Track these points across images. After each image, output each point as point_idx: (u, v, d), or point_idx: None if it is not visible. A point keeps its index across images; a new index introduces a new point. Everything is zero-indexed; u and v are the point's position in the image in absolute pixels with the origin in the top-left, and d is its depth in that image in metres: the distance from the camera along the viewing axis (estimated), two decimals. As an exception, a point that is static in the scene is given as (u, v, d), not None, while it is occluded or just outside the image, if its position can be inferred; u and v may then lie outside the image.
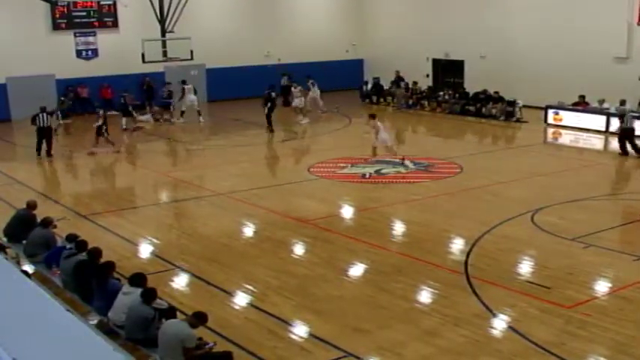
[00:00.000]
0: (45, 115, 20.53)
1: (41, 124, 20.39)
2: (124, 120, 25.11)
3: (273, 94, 25.04)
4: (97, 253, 9.69)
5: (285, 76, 30.43)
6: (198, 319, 7.99)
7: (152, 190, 17.65)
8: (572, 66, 25.71)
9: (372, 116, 19.26)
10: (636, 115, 20.91)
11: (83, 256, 9.74)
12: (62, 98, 22.55)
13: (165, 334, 7.75)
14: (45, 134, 20.54)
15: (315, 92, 27.85)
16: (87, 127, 26.84)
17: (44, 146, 20.60)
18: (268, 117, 24.21)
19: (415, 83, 30.24)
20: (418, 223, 14.06)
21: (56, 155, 20.77)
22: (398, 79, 30.87)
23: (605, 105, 23.53)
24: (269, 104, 24.20)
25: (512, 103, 25.89)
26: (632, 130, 19.97)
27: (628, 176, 18.34)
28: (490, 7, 29.16)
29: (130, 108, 25.41)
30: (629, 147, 19.73)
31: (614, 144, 20.48)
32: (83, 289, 9.45)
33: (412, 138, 24.91)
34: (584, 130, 23.35)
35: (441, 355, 8.60)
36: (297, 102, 26.41)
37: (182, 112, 26.70)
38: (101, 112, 21.68)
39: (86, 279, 9.31)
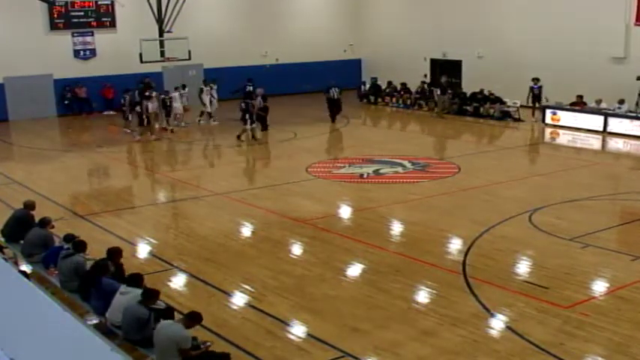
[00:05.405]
0: (135, 92, 24.73)
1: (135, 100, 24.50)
2: (166, 119, 24.89)
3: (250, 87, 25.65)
4: (116, 253, 9.75)
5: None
6: (193, 319, 7.96)
7: (150, 190, 17.65)
8: (570, 66, 25.74)
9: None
10: (339, 89, 26.21)
11: (82, 256, 9.76)
12: (203, 87, 24.24)
13: (160, 335, 7.72)
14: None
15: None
16: (86, 126, 26.98)
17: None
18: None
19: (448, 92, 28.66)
20: (416, 223, 14.06)
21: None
22: (445, 84, 27.70)
23: (603, 105, 23.57)
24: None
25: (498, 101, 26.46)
26: (338, 100, 26.09)
27: (626, 176, 18.34)
28: (488, 7, 29.19)
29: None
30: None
31: (612, 144, 20.56)
32: (81, 289, 9.44)
33: (410, 138, 24.88)
34: (581, 130, 23.41)
35: (439, 355, 8.60)
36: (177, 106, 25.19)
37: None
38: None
39: (83, 279, 9.31)
